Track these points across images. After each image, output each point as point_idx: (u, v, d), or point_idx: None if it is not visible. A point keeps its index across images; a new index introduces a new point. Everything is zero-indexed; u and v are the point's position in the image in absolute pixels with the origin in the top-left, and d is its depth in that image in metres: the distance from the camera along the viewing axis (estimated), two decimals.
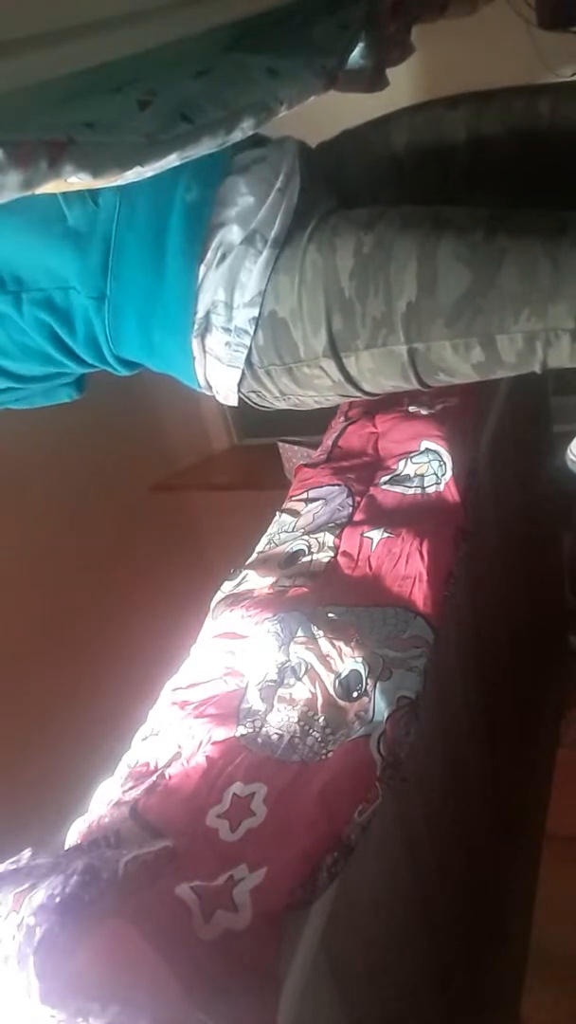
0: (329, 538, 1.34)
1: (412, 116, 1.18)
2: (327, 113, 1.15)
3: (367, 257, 0.94)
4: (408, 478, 1.42)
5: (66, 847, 0.95)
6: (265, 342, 1.01)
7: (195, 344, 1.03)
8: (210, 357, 1.04)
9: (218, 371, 1.05)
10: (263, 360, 1.03)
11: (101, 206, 1.00)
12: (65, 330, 1.06)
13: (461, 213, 0.95)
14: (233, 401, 1.09)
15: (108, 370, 1.13)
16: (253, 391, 1.08)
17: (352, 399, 1.11)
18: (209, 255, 1.01)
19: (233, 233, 1.00)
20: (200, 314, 1.01)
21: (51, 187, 0.70)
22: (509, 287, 0.90)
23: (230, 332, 1.01)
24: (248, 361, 1.03)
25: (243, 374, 1.04)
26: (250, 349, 1.01)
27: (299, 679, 1.09)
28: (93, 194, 1.00)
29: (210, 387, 1.09)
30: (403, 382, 1.02)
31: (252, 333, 1.00)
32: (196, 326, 1.02)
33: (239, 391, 1.07)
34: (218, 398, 1.10)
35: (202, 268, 1.01)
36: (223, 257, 1.00)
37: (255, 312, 0.99)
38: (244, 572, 1.35)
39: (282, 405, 1.12)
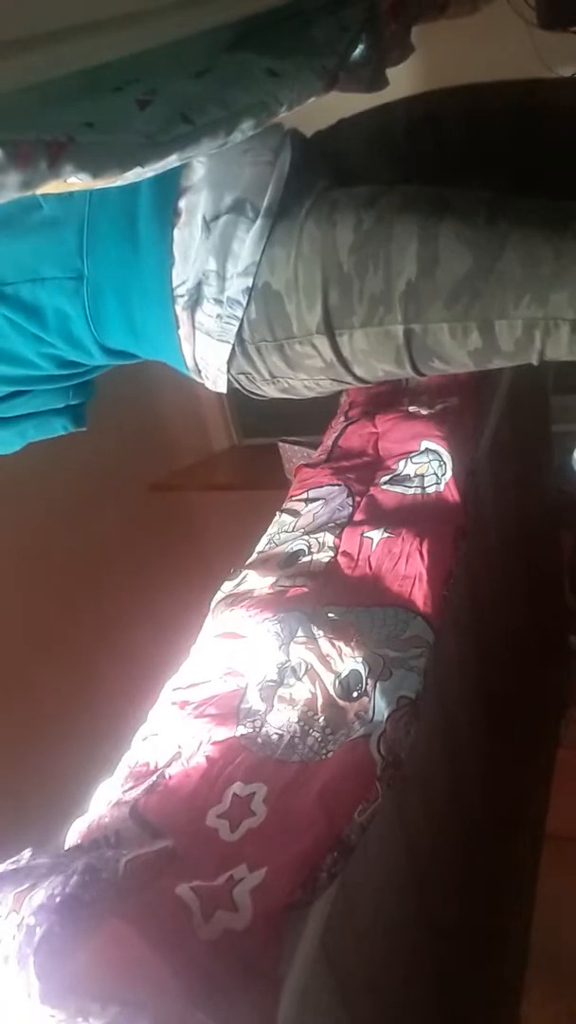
0: (329, 538, 1.34)
1: (411, 102, 1.18)
2: (327, 113, 1.15)
3: (368, 233, 0.93)
4: (408, 478, 1.42)
5: (66, 847, 0.95)
6: (257, 315, 0.99)
7: (184, 319, 1.01)
8: (199, 333, 1.02)
9: (208, 348, 1.03)
10: (254, 335, 1.01)
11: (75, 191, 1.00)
12: (34, 323, 1.04)
13: (463, 196, 0.95)
14: (222, 386, 1.07)
15: (85, 359, 1.10)
16: (243, 372, 1.05)
17: (344, 386, 1.10)
18: (182, 219, 0.99)
19: (205, 197, 0.98)
20: (190, 284, 0.99)
21: (51, 187, 0.70)
22: (510, 272, 0.89)
23: (221, 304, 0.99)
24: (239, 336, 1.00)
25: (233, 351, 1.02)
26: (242, 322, 0.99)
27: (299, 679, 1.09)
28: None
29: (199, 371, 1.07)
30: (396, 367, 1.00)
31: (244, 305, 0.98)
32: (186, 297, 1.00)
33: (228, 372, 1.05)
34: (207, 384, 1.08)
35: (176, 233, 0.99)
36: (207, 224, 0.98)
37: (248, 283, 0.97)
38: (244, 572, 1.35)
39: (272, 391, 1.09)
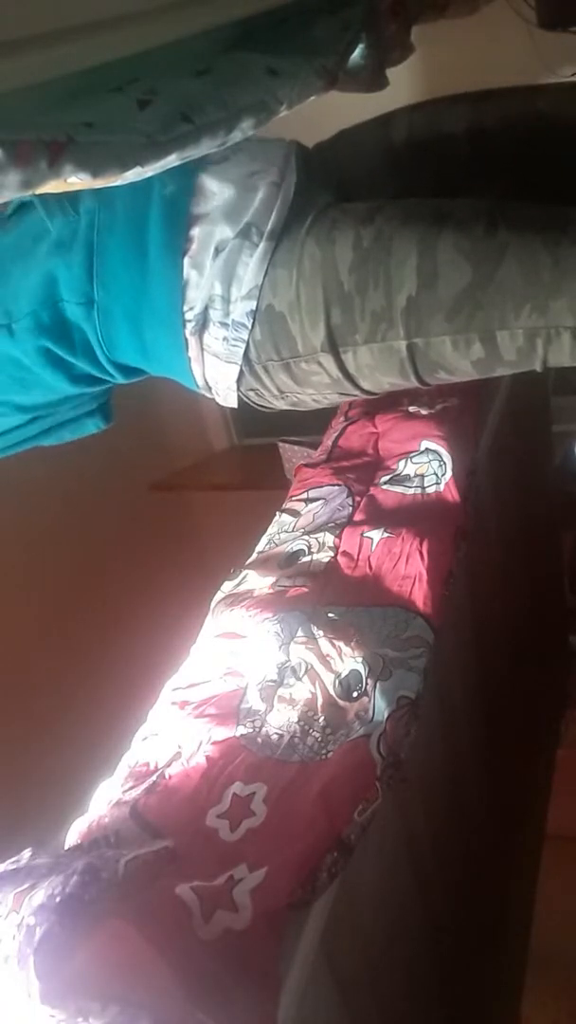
0: (329, 538, 1.34)
1: (411, 113, 1.18)
2: (327, 113, 1.15)
3: (367, 251, 0.94)
4: (408, 478, 1.42)
5: (66, 847, 0.95)
6: (263, 337, 1.00)
7: (192, 342, 1.03)
8: (208, 355, 1.03)
9: (216, 369, 1.04)
10: (261, 356, 1.02)
11: (82, 214, 1.01)
12: (62, 345, 1.05)
13: (461, 207, 0.95)
14: (233, 402, 1.08)
15: (106, 379, 1.12)
16: (252, 389, 1.07)
17: (351, 397, 1.11)
18: (194, 247, 1.00)
19: (220, 227, 0.99)
20: (197, 309, 1.01)
21: (51, 187, 0.70)
22: (510, 282, 0.89)
23: (227, 327, 1.00)
24: (246, 357, 1.02)
25: (241, 371, 1.03)
26: (248, 344, 1.01)
27: (299, 679, 1.09)
28: (73, 204, 1.00)
29: (209, 388, 1.08)
30: (401, 379, 1.01)
31: (249, 327, 0.99)
32: (193, 322, 1.01)
33: (238, 390, 1.06)
34: (218, 399, 1.09)
35: (187, 261, 1.00)
36: (217, 252, 0.99)
37: (252, 305, 0.98)
38: (244, 572, 1.35)
39: (281, 405, 1.11)
